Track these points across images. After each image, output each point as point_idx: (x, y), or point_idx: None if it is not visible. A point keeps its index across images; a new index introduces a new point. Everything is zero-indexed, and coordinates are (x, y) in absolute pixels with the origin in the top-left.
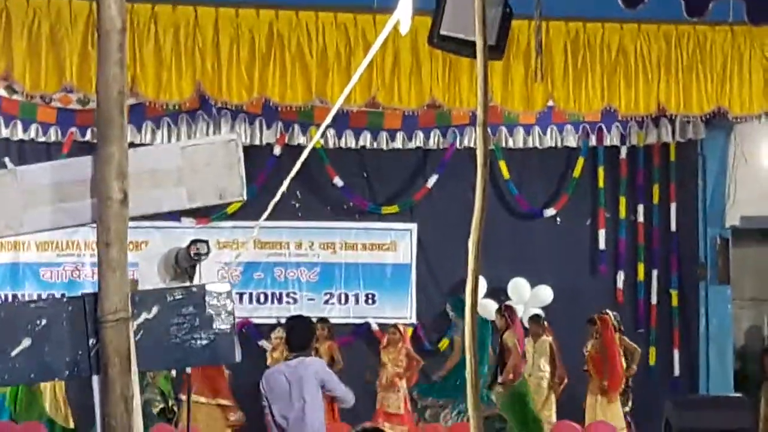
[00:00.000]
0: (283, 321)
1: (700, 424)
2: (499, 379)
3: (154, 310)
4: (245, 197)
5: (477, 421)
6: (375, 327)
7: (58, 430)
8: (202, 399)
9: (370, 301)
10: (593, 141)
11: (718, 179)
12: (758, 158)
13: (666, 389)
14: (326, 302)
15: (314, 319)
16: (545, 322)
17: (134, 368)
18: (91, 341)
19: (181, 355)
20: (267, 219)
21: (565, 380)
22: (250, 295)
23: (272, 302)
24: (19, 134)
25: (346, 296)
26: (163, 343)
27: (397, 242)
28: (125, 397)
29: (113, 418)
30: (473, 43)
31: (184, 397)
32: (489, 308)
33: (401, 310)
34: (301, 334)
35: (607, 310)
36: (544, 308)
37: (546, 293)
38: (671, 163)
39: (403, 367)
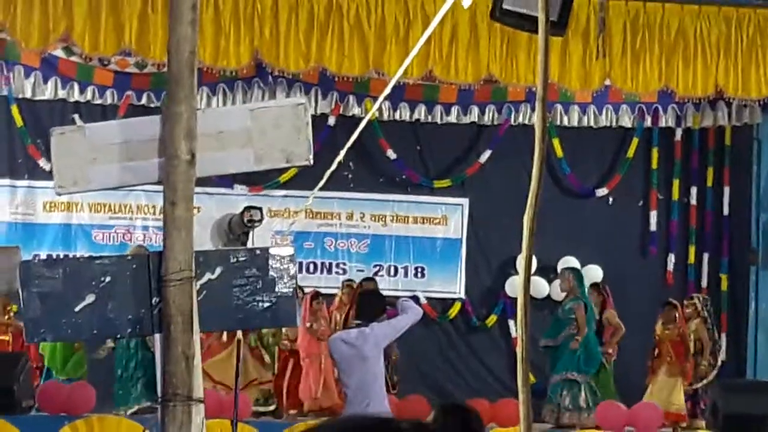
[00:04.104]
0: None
1: (748, 409)
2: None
3: (218, 270)
4: (312, 162)
5: (526, 396)
6: (424, 301)
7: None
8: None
9: (419, 274)
10: (648, 122)
11: None
12: None
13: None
14: (375, 274)
15: None
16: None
17: (196, 327)
18: (154, 299)
19: (243, 316)
20: (319, 189)
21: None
22: (300, 264)
23: (321, 272)
24: (76, 96)
25: (396, 269)
26: (225, 304)
27: (448, 216)
28: (186, 356)
29: (174, 376)
30: (535, 18)
31: None
32: (539, 286)
33: (450, 285)
34: (371, 308)
35: (694, 295)
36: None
37: (596, 272)
38: (726, 146)
39: None
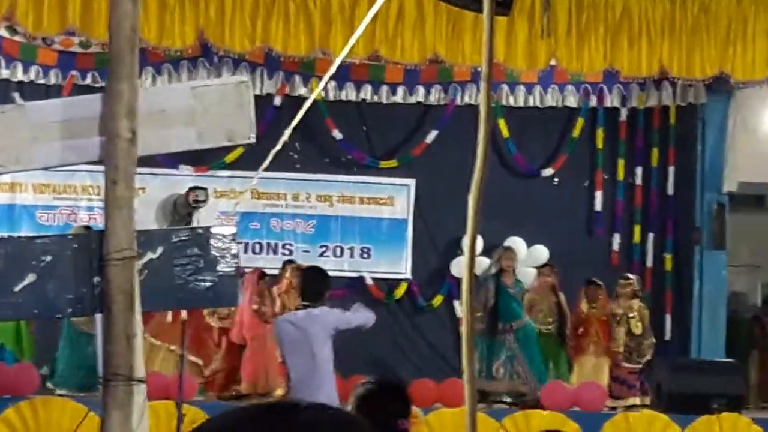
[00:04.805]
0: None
1: (692, 389)
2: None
3: (159, 250)
4: (254, 140)
5: (470, 375)
6: (369, 281)
7: (8, 356)
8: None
9: (365, 255)
10: (594, 102)
11: (717, 144)
12: (758, 124)
13: (658, 353)
14: (321, 255)
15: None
16: None
17: (137, 307)
18: (96, 279)
19: (185, 296)
20: (265, 169)
21: None
22: (246, 245)
23: (267, 253)
24: (19, 75)
25: (342, 249)
26: (166, 284)
27: (395, 197)
28: (128, 336)
29: (115, 356)
30: None
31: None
32: (484, 266)
33: (396, 265)
34: (314, 285)
35: (629, 275)
36: (538, 267)
37: (541, 253)
38: (671, 126)
39: None
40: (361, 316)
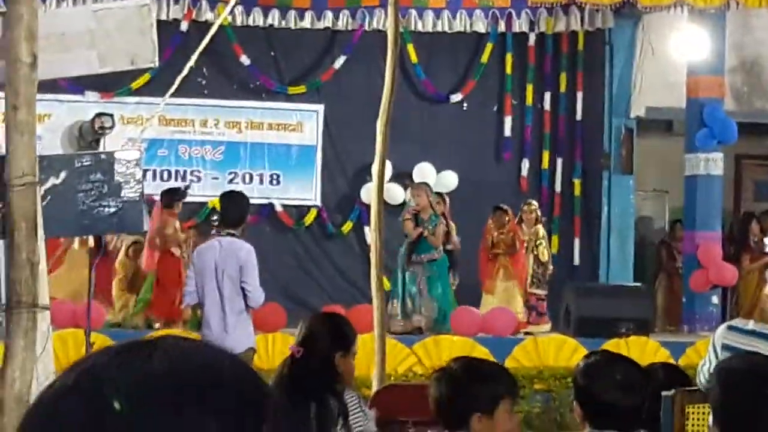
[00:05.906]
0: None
1: (600, 312)
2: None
3: (62, 175)
4: (157, 64)
5: (380, 301)
6: (279, 208)
7: None
8: None
9: (274, 181)
10: (502, 27)
11: (625, 69)
12: (665, 49)
13: (566, 277)
14: (230, 181)
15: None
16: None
17: (41, 233)
18: None
19: (89, 221)
20: (172, 96)
21: None
22: (154, 172)
23: (176, 179)
24: None
25: (251, 176)
26: (70, 210)
27: (304, 123)
28: (31, 262)
29: (18, 282)
30: None
31: None
32: (394, 192)
33: (306, 192)
34: (235, 210)
35: (531, 201)
36: (448, 194)
37: (451, 179)
38: (579, 51)
39: None
40: (258, 288)
